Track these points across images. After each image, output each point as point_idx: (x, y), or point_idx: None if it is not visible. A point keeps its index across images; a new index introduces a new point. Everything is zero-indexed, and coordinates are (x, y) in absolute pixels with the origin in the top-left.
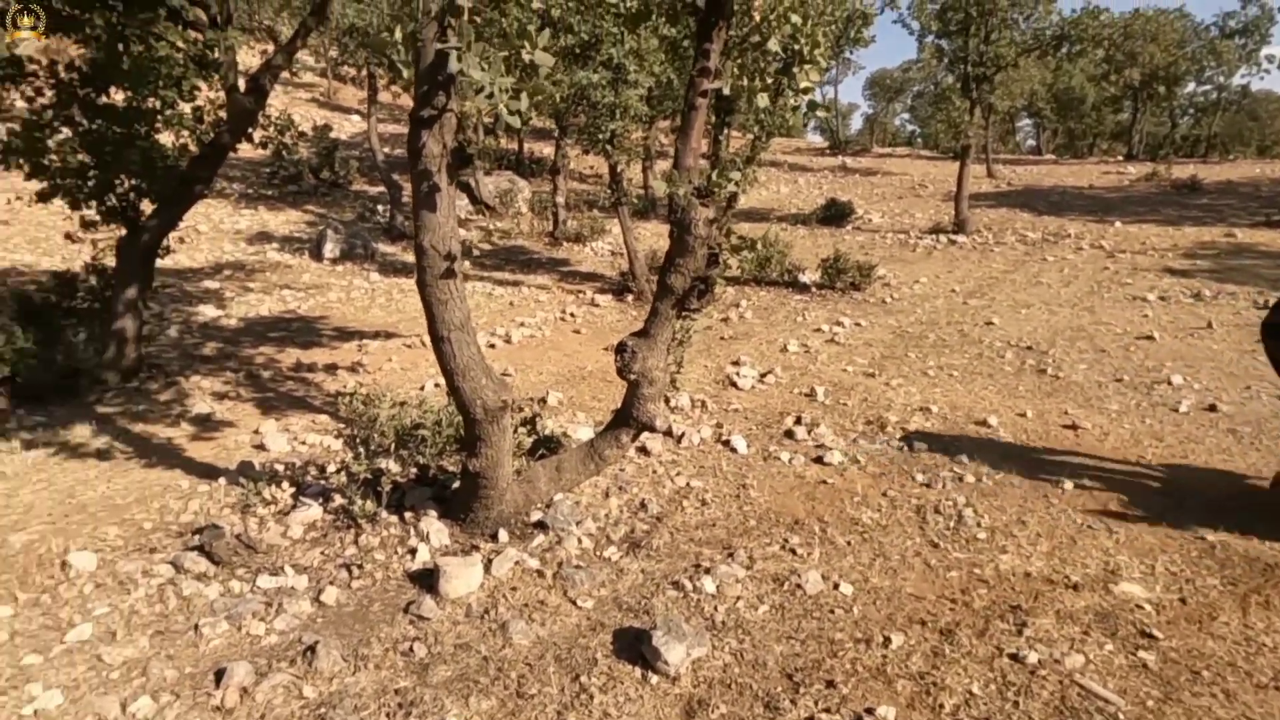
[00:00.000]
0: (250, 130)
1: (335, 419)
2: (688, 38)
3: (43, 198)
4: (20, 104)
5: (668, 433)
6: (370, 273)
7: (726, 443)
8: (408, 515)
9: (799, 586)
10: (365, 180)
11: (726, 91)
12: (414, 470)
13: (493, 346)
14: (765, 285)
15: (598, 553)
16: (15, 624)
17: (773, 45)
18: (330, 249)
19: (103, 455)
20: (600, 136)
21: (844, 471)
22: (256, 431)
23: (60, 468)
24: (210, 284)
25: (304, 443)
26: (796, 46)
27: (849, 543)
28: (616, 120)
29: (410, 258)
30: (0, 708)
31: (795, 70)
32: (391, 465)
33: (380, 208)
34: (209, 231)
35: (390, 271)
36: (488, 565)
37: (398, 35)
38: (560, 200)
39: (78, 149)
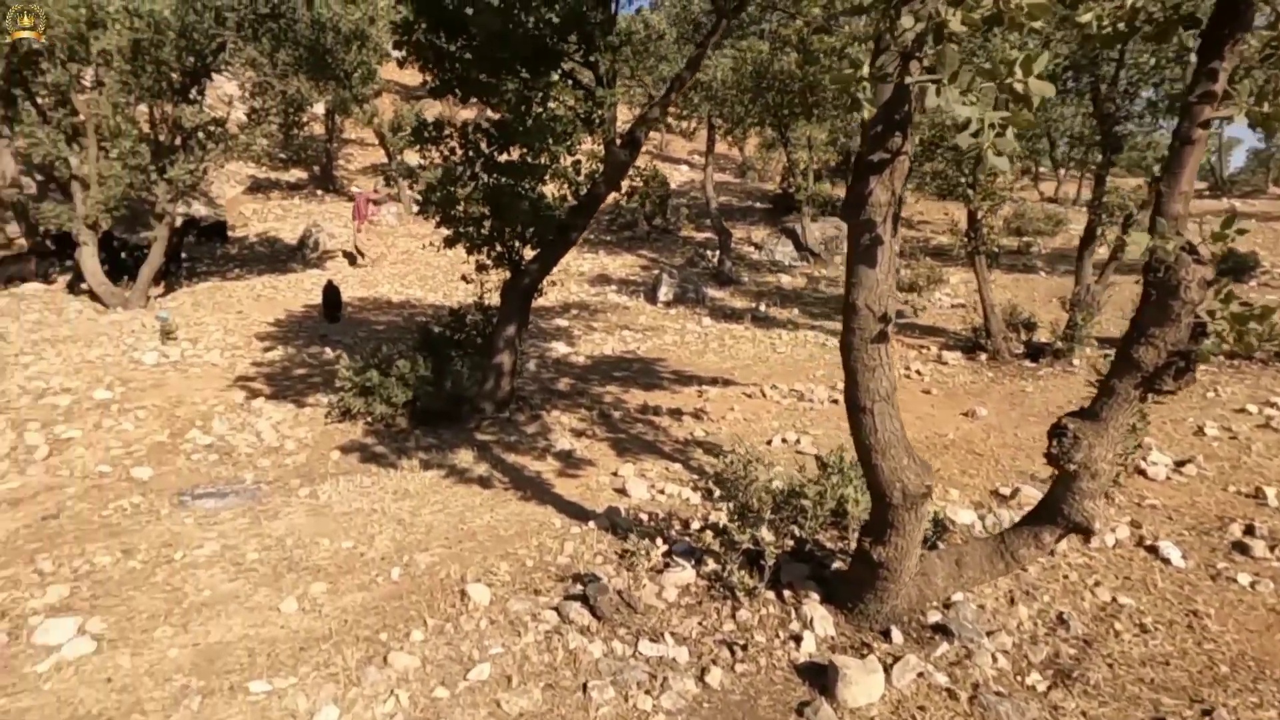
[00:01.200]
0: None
1: (688, 468)
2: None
3: (449, 243)
4: (437, 160)
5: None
6: (702, 317)
7: (1153, 549)
8: (786, 594)
9: None
10: (693, 226)
11: (1239, 120)
12: (790, 542)
13: (835, 403)
14: None
15: (1018, 678)
16: (425, 650)
17: None
18: (664, 293)
19: (484, 483)
20: (962, 180)
21: None
22: (615, 474)
23: (451, 491)
24: (560, 322)
25: (662, 491)
26: None
27: None
28: (986, 166)
29: (738, 303)
30: None
31: None
32: (765, 534)
33: (709, 253)
34: (557, 273)
35: (720, 317)
36: (887, 671)
37: (864, 70)
38: (894, 248)
39: (479, 201)
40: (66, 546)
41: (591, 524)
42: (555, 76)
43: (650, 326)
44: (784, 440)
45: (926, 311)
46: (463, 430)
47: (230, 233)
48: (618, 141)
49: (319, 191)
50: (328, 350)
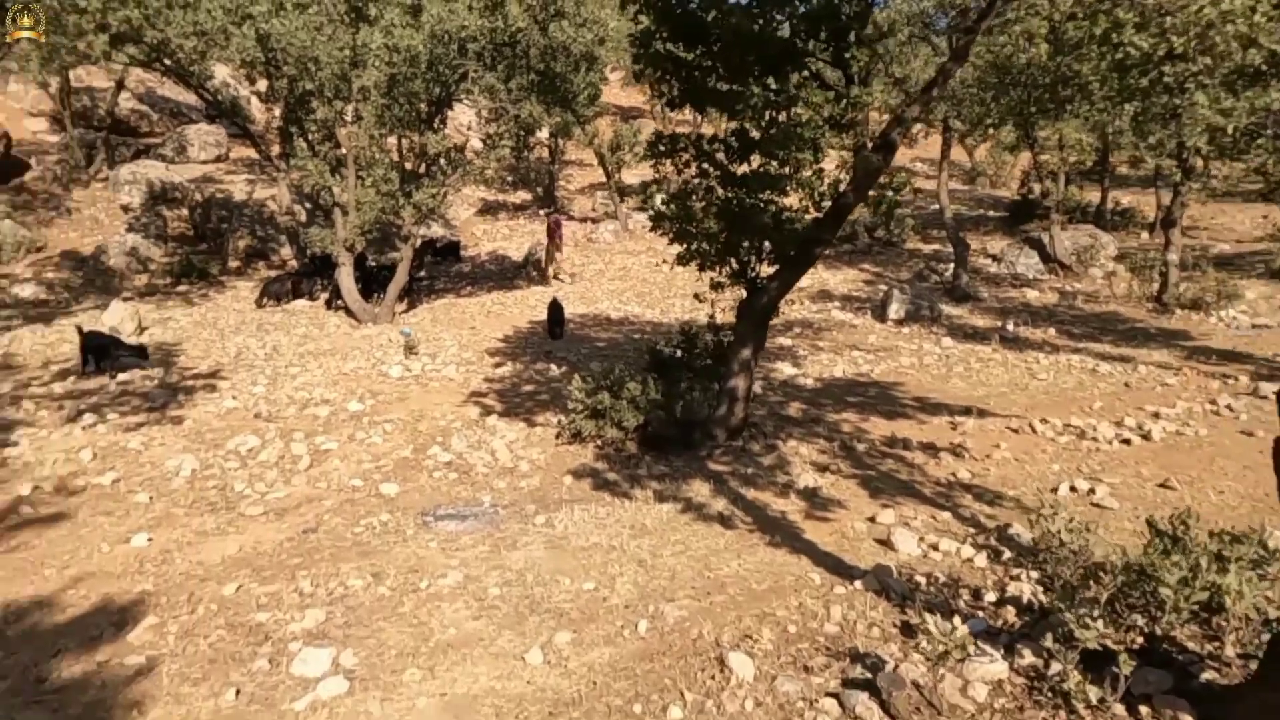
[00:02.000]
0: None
1: (958, 518)
2: None
3: (682, 261)
4: (669, 174)
5: None
6: (940, 337)
7: None
8: (1144, 710)
9: None
10: (918, 238)
11: None
12: (1138, 639)
13: (1127, 443)
14: None
15: None
16: None
17: None
18: (895, 310)
19: (725, 522)
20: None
21: None
22: (873, 520)
23: (690, 530)
24: (783, 340)
25: (935, 547)
26: None
27: None
28: None
29: (980, 321)
30: None
31: None
32: (1098, 623)
33: (940, 266)
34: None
35: (961, 337)
36: None
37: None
38: (1173, 258)
39: (715, 216)
40: (323, 564)
41: (858, 584)
42: (799, 78)
43: (882, 347)
44: (1073, 489)
45: (1219, 333)
46: (694, 458)
47: (463, 252)
48: (868, 145)
49: (541, 211)
50: (553, 367)
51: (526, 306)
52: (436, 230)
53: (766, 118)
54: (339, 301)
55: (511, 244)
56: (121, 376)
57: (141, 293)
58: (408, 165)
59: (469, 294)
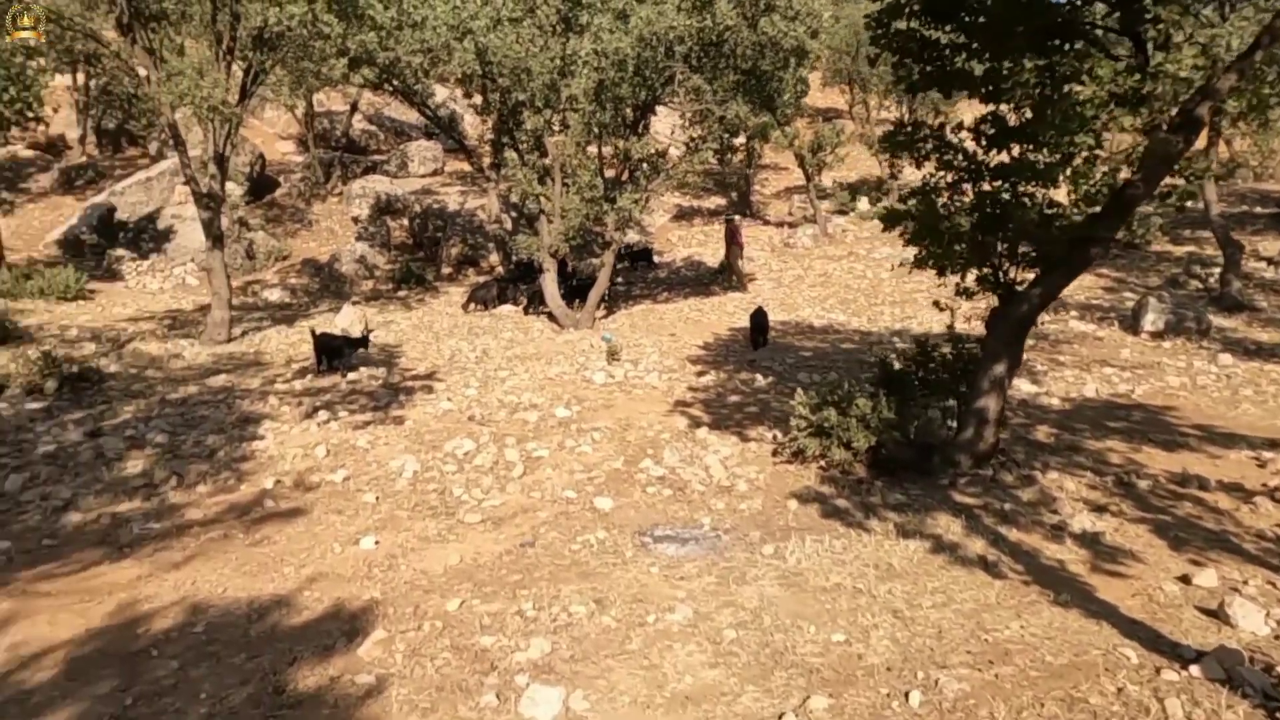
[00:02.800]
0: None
1: None
2: None
3: (921, 264)
4: (905, 167)
5: None
6: (1215, 353)
7: None
8: None
9: None
10: (1167, 239)
11: None
12: None
13: None
14: None
15: None
16: None
17: None
18: (1151, 320)
19: (990, 568)
20: None
21: None
22: (1186, 581)
23: (949, 575)
24: None
25: None
26: None
27: None
28: None
29: (1262, 335)
30: None
31: None
32: None
33: (1202, 271)
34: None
35: (1242, 353)
36: None
37: None
38: None
39: (966, 212)
40: (543, 584)
41: (1194, 670)
42: (1079, 49)
43: (1140, 364)
44: None
45: None
46: (934, 487)
47: (656, 258)
48: (1164, 126)
49: (737, 216)
50: (759, 377)
51: (724, 313)
52: (631, 236)
53: (1036, 97)
54: (541, 307)
55: (706, 250)
56: (351, 376)
57: (368, 297)
58: (611, 172)
59: (666, 300)
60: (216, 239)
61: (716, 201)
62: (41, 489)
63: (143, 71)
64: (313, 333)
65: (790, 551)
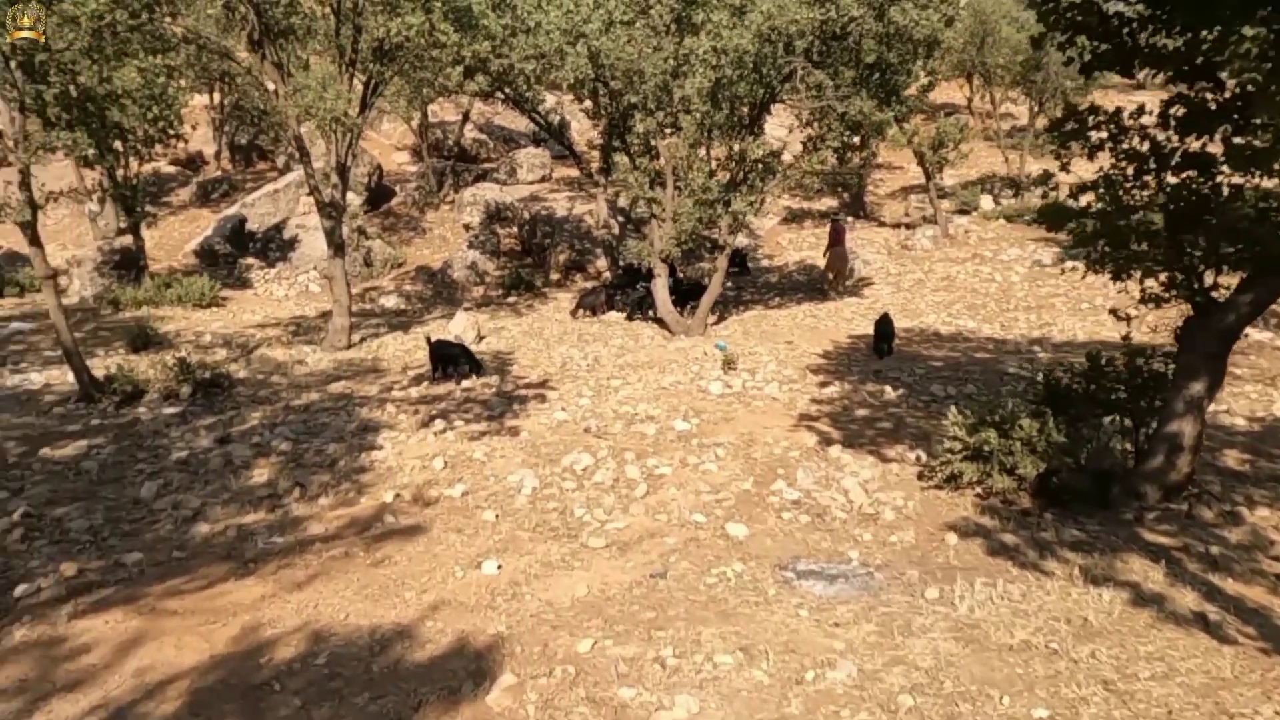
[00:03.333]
0: None
1: None
2: None
3: (1095, 266)
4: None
5: None
6: None
7: None
8: None
9: None
10: None
11: None
12: None
13: None
14: None
15: None
16: None
17: None
18: None
19: (1213, 630)
20: None
21: None
22: None
23: (1162, 637)
24: None
25: None
26: None
27: None
28: None
29: None
30: None
31: None
32: None
33: None
34: None
35: None
36: None
37: None
38: None
39: (1159, 207)
40: (680, 623)
41: None
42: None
43: None
44: None
45: None
46: (1116, 523)
47: (766, 261)
48: None
49: (850, 219)
50: (887, 389)
51: (841, 319)
52: (740, 240)
53: (1260, 72)
54: (651, 312)
55: (818, 253)
56: (465, 384)
57: (479, 303)
58: (725, 174)
59: (778, 305)
60: (338, 247)
61: (827, 203)
62: (173, 497)
63: (271, 86)
64: (428, 340)
65: (959, 596)
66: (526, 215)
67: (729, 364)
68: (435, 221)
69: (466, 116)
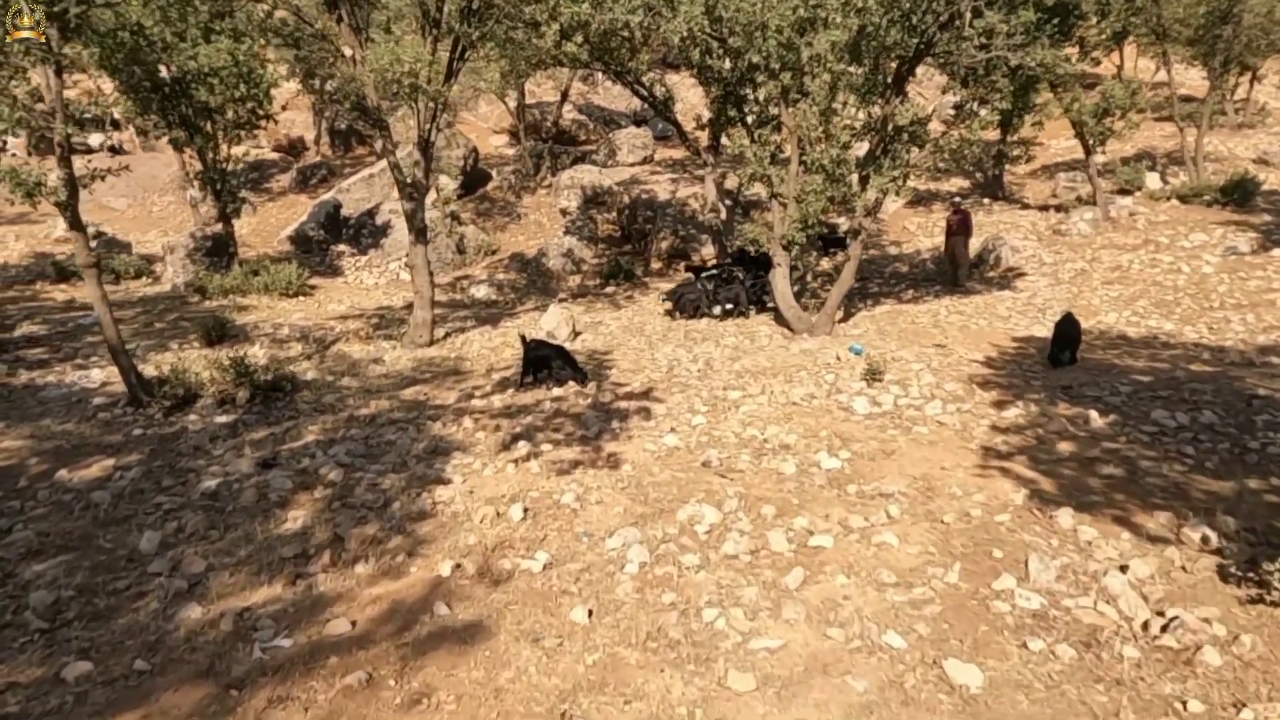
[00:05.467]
0: None
1: None
2: None
3: None
4: None
5: None
6: None
7: None
8: None
9: None
10: None
11: None
12: None
13: None
14: None
15: None
16: None
17: None
18: None
19: None
20: None
21: None
22: None
23: None
24: None
25: None
26: None
27: None
28: None
29: None
30: None
31: None
32: None
33: None
34: None
35: None
36: None
37: None
38: None
39: None
40: None
41: None
42: None
43: None
44: None
45: None
46: None
47: (894, 249)
48: None
49: (985, 200)
50: (1092, 414)
51: (995, 317)
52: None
53: None
54: (769, 304)
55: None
56: (556, 392)
57: (574, 294)
58: (862, 145)
59: (913, 300)
60: (419, 232)
61: (958, 184)
62: (178, 551)
63: (348, 52)
64: (523, 339)
65: None
66: (626, 199)
67: (873, 374)
68: (531, 206)
69: (565, 95)
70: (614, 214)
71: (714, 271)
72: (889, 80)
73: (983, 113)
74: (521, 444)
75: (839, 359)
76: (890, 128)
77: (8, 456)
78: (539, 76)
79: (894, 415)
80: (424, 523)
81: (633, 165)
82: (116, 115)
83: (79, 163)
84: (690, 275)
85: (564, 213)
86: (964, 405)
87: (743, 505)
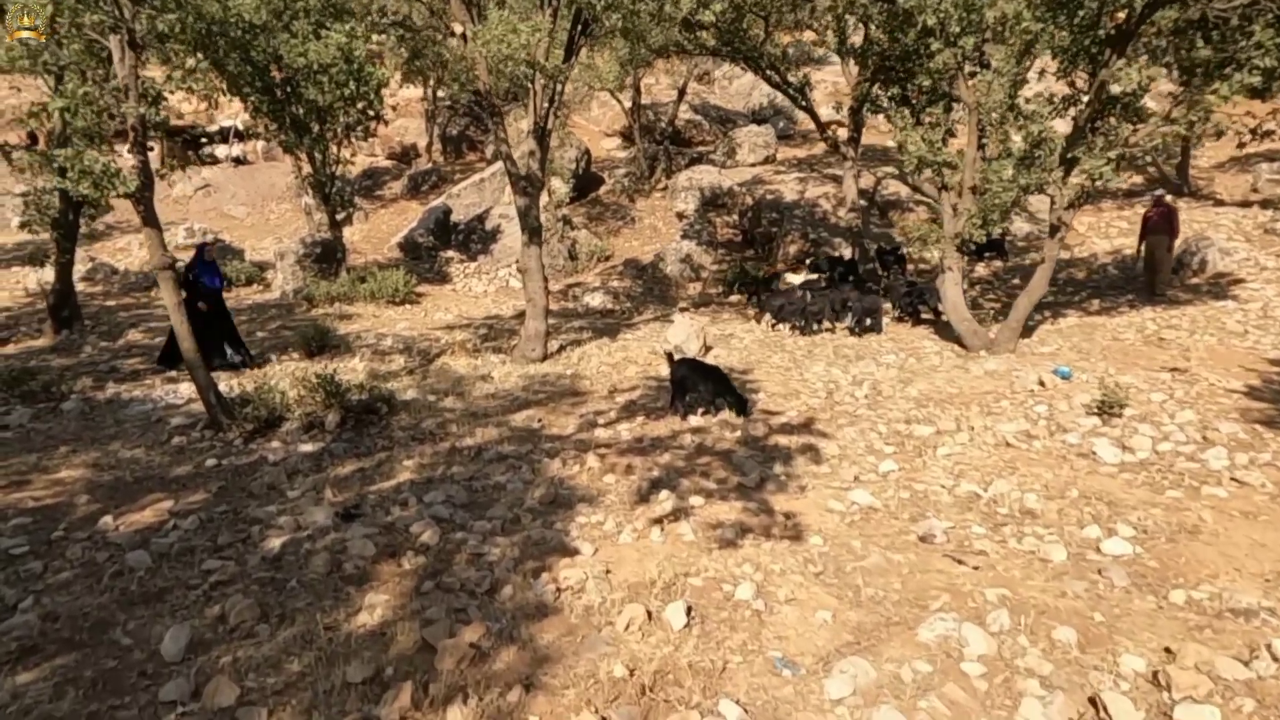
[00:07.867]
0: None
1: None
2: None
3: None
4: None
5: None
6: None
7: None
8: None
9: None
10: None
11: None
12: None
13: None
14: None
15: None
16: None
17: None
18: None
19: None
20: None
21: None
22: None
23: None
24: None
25: None
26: None
27: None
28: None
29: None
30: None
31: None
32: None
33: None
34: None
35: None
36: None
37: None
38: None
39: None
40: None
41: None
42: None
43: None
44: None
45: None
46: None
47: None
48: None
49: (1167, 197)
50: None
51: (1224, 332)
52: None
53: None
54: (927, 315)
55: (1130, 240)
56: (694, 421)
57: (695, 303)
58: (1064, 119)
59: (1102, 310)
60: (533, 232)
61: (1131, 180)
62: (208, 662)
63: (458, 29)
64: (669, 358)
65: None
66: (749, 200)
67: (1108, 407)
68: (645, 210)
69: (682, 93)
70: (735, 216)
71: (814, 279)
72: (1105, 36)
73: (1238, 76)
74: (663, 494)
75: (1044, 384)
76: (1104, 97)
77: (57, 493)
78: (655, 71)
79: (1160, 467)
80: (544, 623)
81: (754, 165)
82: (239, 126)
83: (207, 173)
84: (790, 287)
85: (680, 216)
86: (1260, 455)
87: (1019, 623)
